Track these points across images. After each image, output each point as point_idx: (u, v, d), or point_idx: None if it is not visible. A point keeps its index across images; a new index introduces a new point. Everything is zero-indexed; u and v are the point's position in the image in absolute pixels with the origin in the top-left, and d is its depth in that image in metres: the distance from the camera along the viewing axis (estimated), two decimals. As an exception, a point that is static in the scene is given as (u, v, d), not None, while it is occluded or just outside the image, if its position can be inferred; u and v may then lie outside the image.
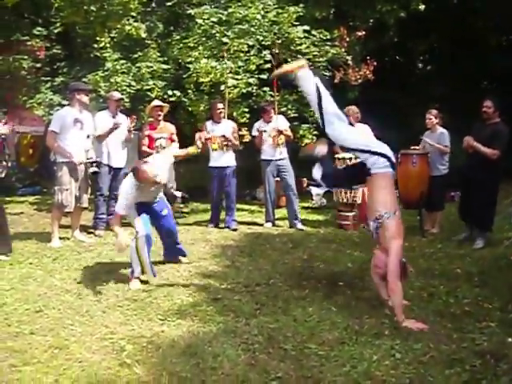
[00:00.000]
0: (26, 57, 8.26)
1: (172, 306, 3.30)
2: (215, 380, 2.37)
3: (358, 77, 7.04)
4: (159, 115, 6.02)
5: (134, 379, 2.40)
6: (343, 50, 7.05)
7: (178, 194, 6.71)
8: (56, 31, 8.34)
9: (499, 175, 4.93)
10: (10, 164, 8.39)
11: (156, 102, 6.11)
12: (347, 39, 7.20)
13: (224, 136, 5.88)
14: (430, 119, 5.66)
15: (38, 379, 2.40)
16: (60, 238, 5.10)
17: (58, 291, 3.63)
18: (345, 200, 5.82)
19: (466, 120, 5.39)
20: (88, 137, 5.24)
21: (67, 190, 4.98)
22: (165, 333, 2.90)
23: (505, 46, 10.63)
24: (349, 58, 7.08)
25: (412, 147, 5.73)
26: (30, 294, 3.56)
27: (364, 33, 7.62)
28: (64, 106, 6.47)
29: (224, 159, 5.94)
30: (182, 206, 7.32)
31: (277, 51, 6.57)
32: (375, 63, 7.01)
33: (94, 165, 5.18)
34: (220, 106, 5.97)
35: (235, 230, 5.83)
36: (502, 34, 10.75)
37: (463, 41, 10.03)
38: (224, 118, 6.06)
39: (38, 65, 8.50)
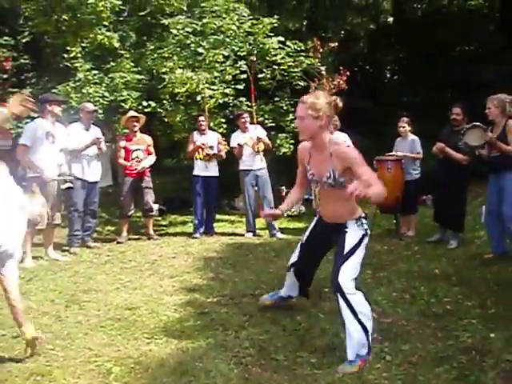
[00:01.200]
0: (-9, 67, 7.98)
1: (158, 324, 3.20)
2: (210, 396, 2.31)
3: (332, 86, 7.16)
4: (135, 126, 5.93)
5: (123, 401, 2.30)
6: (317, 60, 7.16)
7: (155, 206, 6.59)
8: (24, 41, 8.11)
9: (468, 178, 5.14)
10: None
11: (132, 113, 6.02)
12: (320, 50, 7.33)
13: (211, 147, 6.08)
14: (404, 127, 5.80)
15: (22, 408, 2.27)
16: (33, 258, 4.87)
17: (35, 314, 3.42)
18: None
19: (433, 126, 5.58)
20: (61, 150, 5.05)
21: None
22: (152, 352, 2.78)
23: (466, 56, 11.08)
24: (322, 68, 7.20)
25: (386, 154, 5.85)
26: (5, 319, 3.34)
27: (336, 44, 7.78)
28: (33, 118, 6.27)
29: (208, 168, 6.07)
30: (159, 218, 7.22)
31: (254, 60, 6.62)
32: (348, 73, 7.16)
33: (68, 180, 4.94)
34: (201, 118, 6.18)
35: (213, 234, 6.11)
36: (463, 45, 11.22)
37: (429, 52, 10.39)
38: (205, 129, 6.19)
39: (5, 76, 8.22)
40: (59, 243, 5.53)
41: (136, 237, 6.17)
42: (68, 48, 6.62)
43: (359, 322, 2.53)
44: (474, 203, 5.68)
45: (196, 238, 5.95)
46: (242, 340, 2.88)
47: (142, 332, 3.06)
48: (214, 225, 6.43)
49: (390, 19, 8.72)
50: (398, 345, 2.73)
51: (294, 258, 3.14)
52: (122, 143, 5.98)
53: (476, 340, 2.77)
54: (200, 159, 6.09)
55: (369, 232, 2.72)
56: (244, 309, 3.39)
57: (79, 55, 6.68)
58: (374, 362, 2.54)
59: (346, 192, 2.32)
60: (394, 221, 5.75)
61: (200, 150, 6.07)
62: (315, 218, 3.02)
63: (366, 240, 2.67)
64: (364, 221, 2.70)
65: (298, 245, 3.14)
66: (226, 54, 6.53)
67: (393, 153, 5.80)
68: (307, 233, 3.05)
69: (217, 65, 6.42)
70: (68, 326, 3.21)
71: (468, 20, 9.50)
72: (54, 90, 6.68)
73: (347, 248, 2.61)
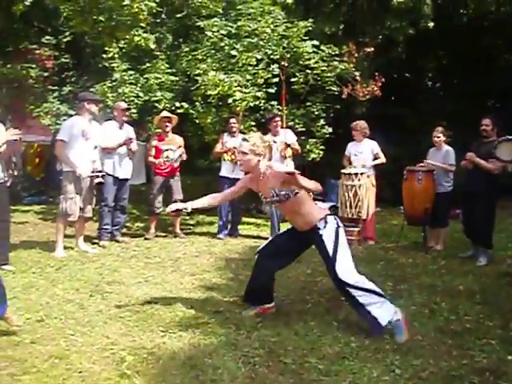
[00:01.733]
0: (33, 65, 8.32)
1: (174, 318, 3.28)
2: (214, 393, 2.34)
3: (366, 92, 7.05)
4: (167, 126, 6.07)
5: (132, 390, 2.38)
6: (351, 65, 7.07)
7: (184, 205, 6.71)
8: (65, 40, 8.41)
9: (497, 191, 4.94)
10: (16, 173, 8.44)
11: (165, 113, 6.16)
12: (356, 55, 7.22)
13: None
14: (439, 137, 5.63)
15: (38, 388, 2.38)
16: (64, 248, 5.10)
17: (60, 301, 3.61)
18: (350, 215, 5.78)
19: (472, 137, 5.39)
20: (95, 148, 5.24)
21: (72, 198, 4.95)
22: (166, 344, 2.87)
23: (512, 64, 10.66)
24: (357, 73, 7.09)
25: (418, 164, 5.71)
26: (32, 304, 3.54)
27: (373, 49, 7.66)
28: (71, 115, 6.52)
29: (236, 171, 6.02)
30: (187, 217, 7.34)
31: (285, 65, 6.62)
32: (383, 79, 7.03)
33: (100, 175, 5.14)
34: (232, 121, 6.23)
35: (237, 235, 6.20)
36: (510, 53, 10.78)
37: (471, 59, 10.06)
38: (236, 131, 6.24)
39: (46, 74, 8.56)
40: (90, 236, 5.75)
41: (163, 234, 6.31)
42: (106, 48, 6.85)
43: (374, 293, 2.92)
44: (508, 220, 5.45)
45: (220, 238, 6.01)
46: (252, 340, 2.91)
47: (158, 325, 3.16)
48: (240, 227, 6.48)
49: (431, 24, 8.44)
50: (409, 359, 2.67)
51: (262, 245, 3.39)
52: (154, 142, 6.13)
53: (492, 361, 2.67)
54: (228, 161, 6.14)
55: (340, 224, 3.00)
56: (258, 310, 3.40)
57: (116, 56, 6.89)
58: (382, 374, 2.51)
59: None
60: (422, 233, 5.59)
61: (228, 152, 6.12)
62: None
63: (340, 232, 3.01)
64: (329, 217, 3.03)
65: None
66: (259, 57, 6.55)
67: (425, 162, 5.65)
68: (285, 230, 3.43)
69: (249, 68, 6.45)
70: (89, 314, 3.35)
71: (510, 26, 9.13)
72: (91, 89, 6.94)
73: (330, 249, 2.96)
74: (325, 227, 2.98)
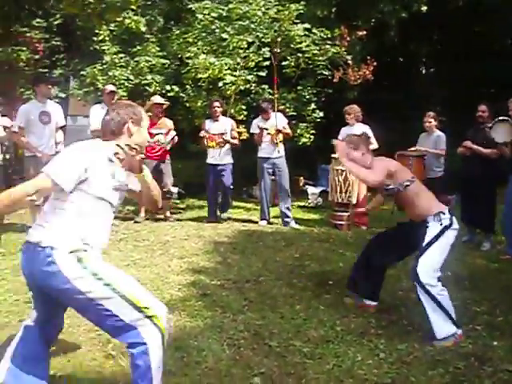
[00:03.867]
0: (24, 48, 8.20)
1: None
2: (198, 374, 2.37)
3: (358, 77, 7.01)
4: (160, 112, 6.01)
5: (118, 370, 2.41)
6: (343, 49, 7.02)
7: (175, 189, 6.70)
8: (56, 23, 8.29)
9: (496, 176, 4.95)
10: (7, 156, 8.38)
11: (157, 99, 6.08)
12: (348, 38, 7.16)
13: (221, 134, 5.93)
14: (430, 122, 5.62)
15: (23, 368, 2.40)
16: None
17: (47, 283, 3.63)
18: (340, 200, 5.80)
19: (465, 123, 5.39)
20: (62, 128, 5.20)
21: None
22: (152, 326, 2.90)
23: (507, 50, 10.60)
24: (349, 57, 7.05)
25: (409, 149, 5.72)
26: (21, 285, 3.53)
27: (365, 32, 7.59)
28: (62, 98, 6.47)
29: (221, 157, 5.96)
30: (178, 201, 7.33)
31: (277, 50, 6.55)
32: (375, 63, 6.99)
33: None
34: (215, 104, 5.98)
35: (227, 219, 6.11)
36: (505, 38, 10.73)
37: (465, 44, 10.00)
38: (219, 115, 6.04)
39: (37, 57, 8.45)
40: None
41: (153, 218, 6.31)
42: (97, 31, 6.75)
43: (441, 308, 2.77)
44: (498, 207, 5.49)
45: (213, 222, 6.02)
46: (238, 323, 2.94)
47: (145, 308, 3.17)
48: (230, 211, 6.47)
49: (424, 8, 8.36)
50: (394, 343, 2.71)
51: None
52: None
53: (477, 347, 2.71)
54: (213, 147, 5.98)
55: (453, 226, 2.88)
56: (245, 294, 3.45)
57: (107, 38, 6.80)
58: (366, 357, 2.55)
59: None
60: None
61: (209, 139, 5.92)
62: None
63: (447, 233, 2.85)
64: (442, 216, 2.88)
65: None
66: (250, 40, 6.48)
67: (415, 148, 5.66)
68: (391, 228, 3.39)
69: (240, 51, 6.39)
70: (77, 296, 3.36)
71: (506, 11, 9.06)
72: (82, 72, 6.85)
73: (426, 241, 2.84)
74: (434, 221, 2.87)
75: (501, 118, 4.49)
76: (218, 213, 6.21)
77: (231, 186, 6.09)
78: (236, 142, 6.08)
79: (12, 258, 4.23)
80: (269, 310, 3.16)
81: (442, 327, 2.76)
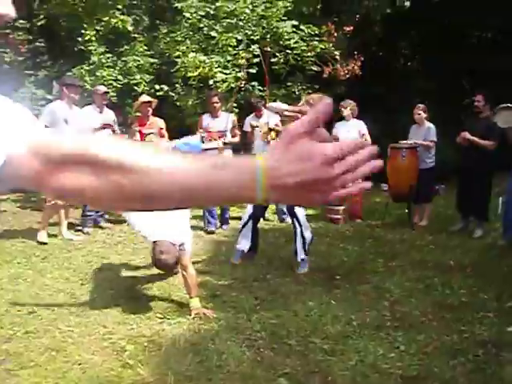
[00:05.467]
0: (8, 50, 7.97)
1: (170, 304, 3.25)
2: (222, 378, 2.33)
3: (346, 72, 7.06)
4: (149, 111, 5.90)
5: (138, 380, 2.34)
6: (331, 45, 7.04)
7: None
8: (39, 24, 8.08)
9: (492, 166, 5.04)
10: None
11: (145, 98, 5.97)
12: (335, 34, 7.20)
13: (221, 134, 5.66)
14: (419, 114, 5.69)
15: (38, 383, 2.31)
16: (48, 236, 4.95)
17: (51, 291, 3.52)
18: (335, 194, 5.80)
19: (450, 114, 5.48)
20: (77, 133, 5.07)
21: None
22: (165, 331, 2.84)
23: (486, 42, 10.81)
24: (337, 53, 7.08)
25: (401, 141, 5.77)
26: (21, 295, 3.44)
27: (352, 28, 7.64)
28: (50, 100, 6.30)
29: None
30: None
31: (267, 48, 6.52)
32: (362, 59, 7.04)
33: None
34: (214, 99, 5.50)
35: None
36: (483, 31, 10.92)
37: (447, 37, 10.14)
38: (219, 111, 5.70)
39: (20, 58, 8.22)
40: (72, 223, 5.60)
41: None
42: (82, 31, 6.60)
43: None
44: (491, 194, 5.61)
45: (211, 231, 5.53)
46: (253, 323, 2.91)
47: (155, 312, 3.12)
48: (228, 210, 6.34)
49: (407, 3, 8.48)
50: (412, 335, 2.72)
51: None
52: (137, 127, 5.96)
53: (492, 333, 2.75)
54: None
55: None
56: (255, 293, 3.42)
57: (93, 38, 6.66)
58: (387, 351, 2.55)
59: None
60: (407, 210, 5.69)
61: (208, 137, 5.59)
62: None
63: None
64: None
65: None
66: (239, 37, 6.45)
67: (407, 140, 5.71)
68: None
69: (230, 49, 6.34)
70: (82, 304, 3.28)
71: (489, 4, 9.22)
72: (68, 73, 6.69)
73: None
74: None
75: (505, 105, 4.57)
76: (219, 224, 5.80)
77: None
78: (237, 140, 5.88)
79: (8, 267, 4.10)
80: (281, 308, 3.14)
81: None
